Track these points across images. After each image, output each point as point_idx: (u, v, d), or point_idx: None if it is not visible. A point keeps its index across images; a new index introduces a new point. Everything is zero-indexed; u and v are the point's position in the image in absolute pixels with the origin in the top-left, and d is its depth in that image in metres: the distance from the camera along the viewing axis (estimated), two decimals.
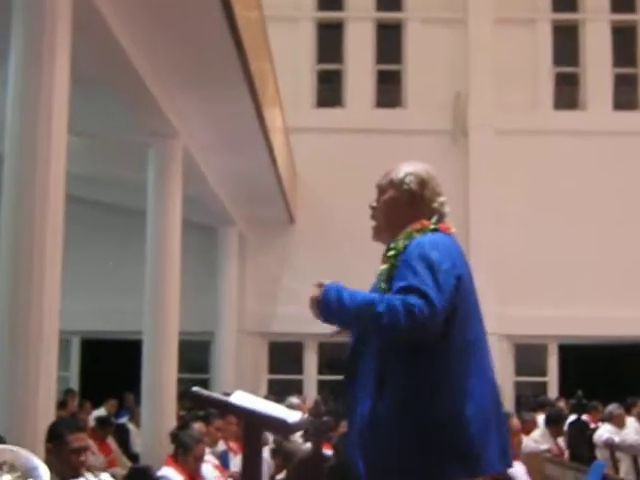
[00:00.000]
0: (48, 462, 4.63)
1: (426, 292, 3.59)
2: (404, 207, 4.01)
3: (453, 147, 19.49)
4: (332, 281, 3.88)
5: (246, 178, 15.66)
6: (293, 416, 3.44)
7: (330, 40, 20.74)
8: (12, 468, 4.30)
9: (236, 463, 10.02)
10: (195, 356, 18.71)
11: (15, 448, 4.45)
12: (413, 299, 3.57)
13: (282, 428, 3.43)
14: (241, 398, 3.50)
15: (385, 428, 3.71)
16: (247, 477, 3.44)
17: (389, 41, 20.70)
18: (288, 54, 18.36)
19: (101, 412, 15.27)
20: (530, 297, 18.70)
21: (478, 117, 19.75)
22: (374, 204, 4.13)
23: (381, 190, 4.11)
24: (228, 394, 3.64)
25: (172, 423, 11.69)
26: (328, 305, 3.78)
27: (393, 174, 4.09)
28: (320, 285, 3.88)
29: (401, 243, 3.87)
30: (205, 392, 3.58)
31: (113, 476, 6.04)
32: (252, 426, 3.38)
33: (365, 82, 20.41)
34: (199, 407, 10.94)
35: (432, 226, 3.94)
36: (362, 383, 3.81)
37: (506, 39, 19.99)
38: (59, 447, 5.65)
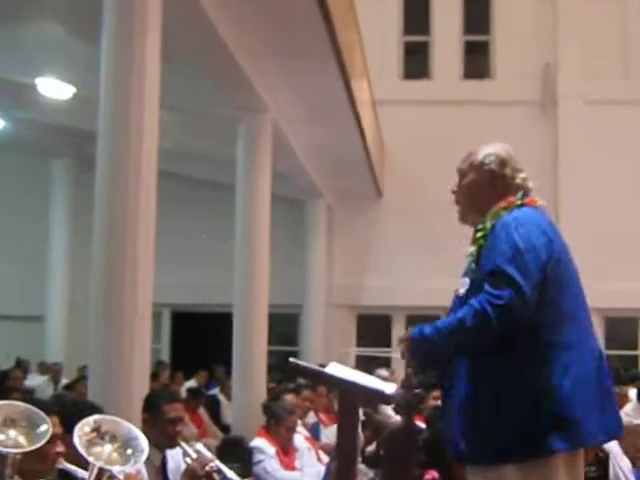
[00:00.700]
0: (145, 432, 4.72)
1: (512, 276, 3.63)
2: (486, 188, 4.05)
3: (542, 118, 19.22)
4: (411, 329, 3.85)
5: (334, 151, 15.64)
6: (389, 387, 3.47)
7: (417, 11, 20.54)
8: (113, 438, 4.40)
9: (327, 434, 10.11)
10: (284, 329, 18.80)
11: (117, 419, 4.55)
12: (499, 291, 3.62)
13: (379, 399, 3.46)
14: (337, 369, 3.53)
15: (482, 409, 3.73)
16: (342, 447, 3.47)
17: (477, 12, 20.43)
18: (375, 26, 18.27)
19: (192, 384, 15.47)
20: (621, 270, 18.43)
21: (567, 87, 19.44)
22: (455, 189, 4.16)
23: (462, 174, 4.16)
24: (323, 366, 3.68)
25: (262, 395, 11.83)
26: (420, 352, 3.78)
27: (473, 157, 4.14)
28: (403, 338, 3.84)
29: (488, 223, 3.91)
30: (302, 363, 3.62)
31: (206, 446, 6.12)
32: (348, 397, 3.41)
33: (453, 53, 20.22)
34: (293, 378, 11.04)
35: (518, 202, 3.96)
36: (458, 362, 3.84)
37: (595, 7, 19.59)
38: (156, 417, 5.76)
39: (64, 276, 18.94)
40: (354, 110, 13.44)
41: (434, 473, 4.81)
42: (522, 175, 4.07)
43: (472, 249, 3.93)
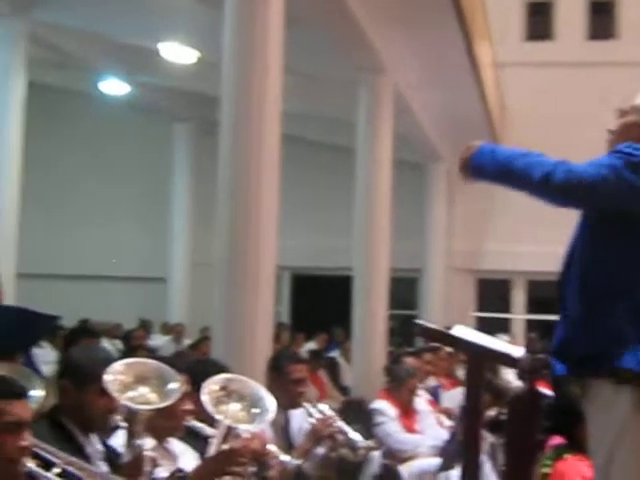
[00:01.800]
0: (269, 392, 4.77)
1: (597, 163, 3.56)
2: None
3: None
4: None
5: (455, 113, 15.53)
6: (517, 351, 3.46)
7: None
8: (241, 397, 4.47)
9: (447, 398, 10.11)
10: (403, 293, 18.77)
11: (244, 378, 4.61)
12: (578, 165, 3.55)
13: (507, 362, 3.46)
14: (463, 332, 3.54)
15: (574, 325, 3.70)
16: (469, 409, 3.48)
17: None
18: None
19: (312, 346, 15.57)
20: None
21: None
22: (613, 128, 4.07)
23: (622, 114, 4.04)
24: (448, 328, 3.68)
25: (382, 358, 11.89)
26: (481, 160, 3.72)
27: (636, 99, 4.02)
28: (472, 145, 3.77)
29: None
30: (429, 325, 3.63)
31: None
32: (475, 359, 3.41)
33: (577, 14, 19.77)
34: (412, 342, 10.97)
35: None
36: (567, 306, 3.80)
37: None
38: (280, 378, 5.83)
39: (186, 239, 19.26)
40: (476, 73, 13.31)
41: (559, 438, 4.76)
42: None
43: None
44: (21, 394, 3.31)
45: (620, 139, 3.98)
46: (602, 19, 19.95)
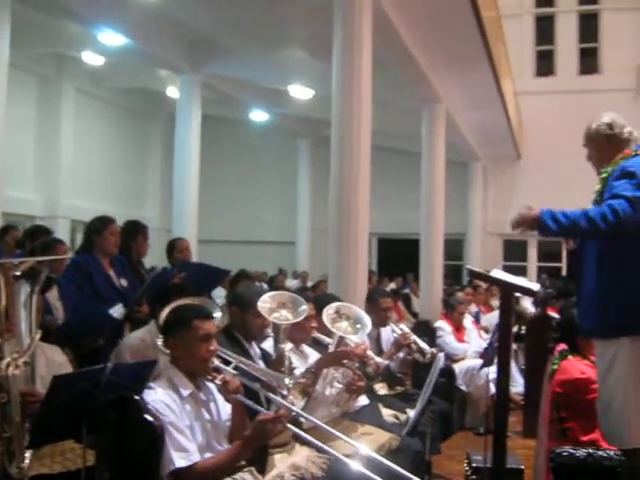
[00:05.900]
0: (367, 315, 4.77)
1: (626, 195, 3.38)
2: (605, 146, 3.76)
3: (634, 103, 17.92)
4: (542, 208, 3.49)
5: (488, 129, 15.30)
6: (535, 286, 3.41)
7: (544, 28, 19.63)
8: (348, 318, 4.52)
9: (485, 319, 10.02)
10: (453, 249, 18.56)
11: (350, 305, 4.66)
12: (616, 202, 3.38)
13: (528, 293, 3.41)
14: (499, 274, 3.50)
15: (602, 298, 3.56)
16: (503, 324, 3.44)
17: (588, 26, 19.30)
18: (515, 39, 17.57)
19: (392, 285, 15.57)
20: None
21: None
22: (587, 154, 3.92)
23: (588, 139, 3.87)
24: (488, 271, 3.63)
25: (439, 293, 11.85)
26: (547, 225, 3.43)
27: (588, 129, 3.86)
28: (529, 208, 3.52)
29: (610, 168, 3.69)
30: (476, 269, 3.59)
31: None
32: (507, 292, 3.37)
33: (571, 57, 19.23)
34: (459, 282, 10.82)
35: (633, 153, 3.72)
36: (587, 264, 3.67)
37: None
38: (374, 306, 5.83)
39: (307, 214, 19.39)
40: (502, 100, 13.12)
41: (563, 345, 4.69)
42: (627, 129, 3.77)
43: (597, 187, 3.70)
44: (210, 315, 3.37)
45: (594, 156, 3.86)
46: (589, 60, 19.29)
